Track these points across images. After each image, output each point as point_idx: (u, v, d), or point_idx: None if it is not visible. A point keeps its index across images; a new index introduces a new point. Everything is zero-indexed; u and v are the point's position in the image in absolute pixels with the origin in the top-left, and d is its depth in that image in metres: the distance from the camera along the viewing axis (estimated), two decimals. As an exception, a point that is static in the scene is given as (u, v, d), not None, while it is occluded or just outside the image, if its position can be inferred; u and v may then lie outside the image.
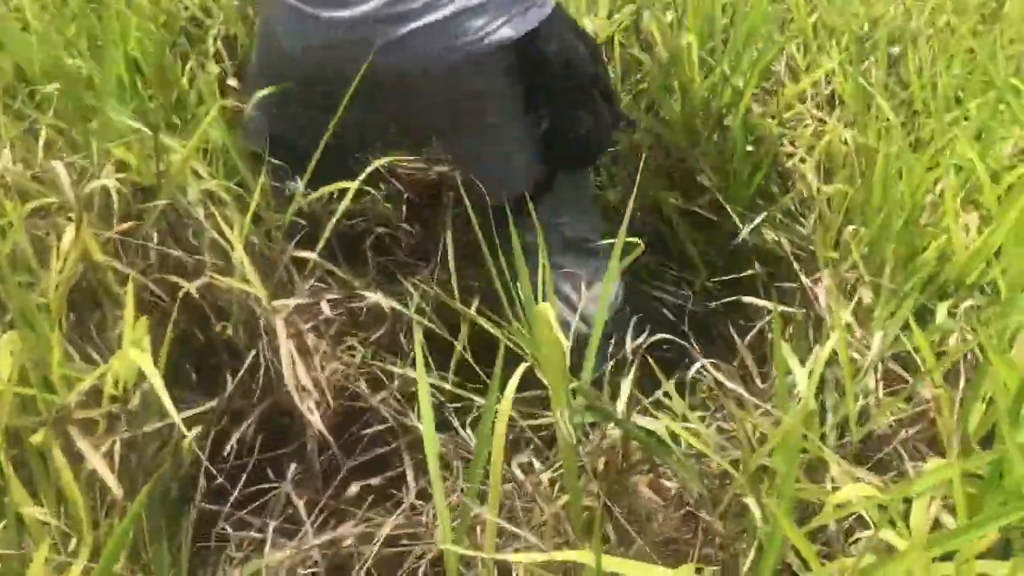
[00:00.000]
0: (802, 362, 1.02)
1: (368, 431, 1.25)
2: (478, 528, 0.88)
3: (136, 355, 0.88)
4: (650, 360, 0.90)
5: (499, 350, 0.89)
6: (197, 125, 1.24)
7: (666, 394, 0.93)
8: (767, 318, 1.12)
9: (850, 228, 1.28)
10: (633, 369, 0.89)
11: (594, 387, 0.95)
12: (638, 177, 1.22)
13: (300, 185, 1.17)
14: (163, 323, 1.20)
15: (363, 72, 1.07)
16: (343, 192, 1.23)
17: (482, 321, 1.05)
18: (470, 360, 1.26)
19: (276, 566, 1.03)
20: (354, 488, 1.12)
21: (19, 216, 1.07)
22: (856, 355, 0.99)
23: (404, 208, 1.61)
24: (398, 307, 1.23)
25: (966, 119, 1.39)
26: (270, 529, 1.05)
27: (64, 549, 0.88)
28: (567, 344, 0.80)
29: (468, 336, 1.18)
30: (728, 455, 0.89)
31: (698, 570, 0.85)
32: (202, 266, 1.17)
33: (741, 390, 0.88)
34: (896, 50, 1.59)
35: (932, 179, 1.25)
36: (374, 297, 1.15)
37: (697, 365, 0.93)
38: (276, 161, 1.25)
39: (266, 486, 1.15)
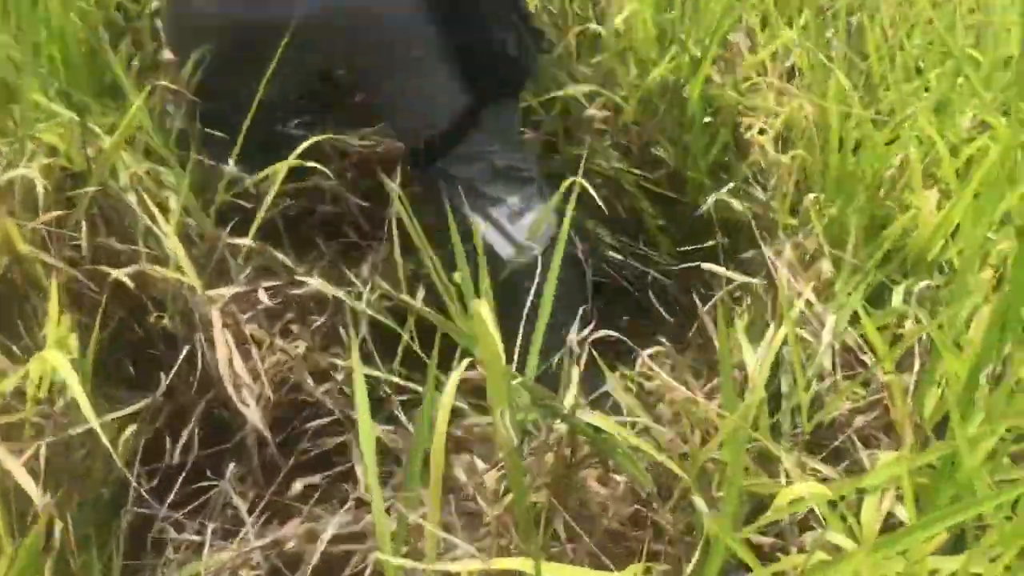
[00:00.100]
0: (760, 336, 1.00)
1: (313, 424, 1.22)
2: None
3: (54, 357, 0.83)
4: (594, 354, 0.86)
5: (437, 343, 0.85)
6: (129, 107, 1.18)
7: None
8: (727, 287, 1.10)
9: (811, 196, 1.24)
10: (581, 362, 0.86)
11: (547, 372, 0.94)
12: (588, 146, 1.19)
13: (232, 166, 1.12)
14: (94, 314, 1.16)
15: (288, 21, 1.05)
16: (289, 171, 1.19)
17: (425, 311, 1.00)
18: (417, 350, 1.23)
19: (216, 569, 0.99)
20: (298, 485, 1.08)
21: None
22: (810, 338, 0.96)
23: (351, 185, 1.58)
24: (340, 295, 1.19)
25: (927, 90, 1.36)
26: (208, 531, 1.02)
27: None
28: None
29: (417, 321, 1.14)
30: (679, 448, 0.86)
31: (647, 569, 0.82)
32: (136, 255, 1.11)
33: (684, 389, 0.84)
34: (855, 19, 1.55)
35: (893, 152, 1.22)
36: (314, 284, 1.10)
37: (642, 359, 0.90)
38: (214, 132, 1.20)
39: (207, 484, 1.11)
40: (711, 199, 1.40)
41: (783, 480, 0.85)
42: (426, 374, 1.06)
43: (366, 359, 1.23)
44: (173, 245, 1.04)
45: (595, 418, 0.83)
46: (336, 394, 1.21)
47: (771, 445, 0.84)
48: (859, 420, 0.93)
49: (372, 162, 1.57)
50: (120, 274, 1.08)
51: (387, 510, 0.96)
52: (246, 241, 1.10)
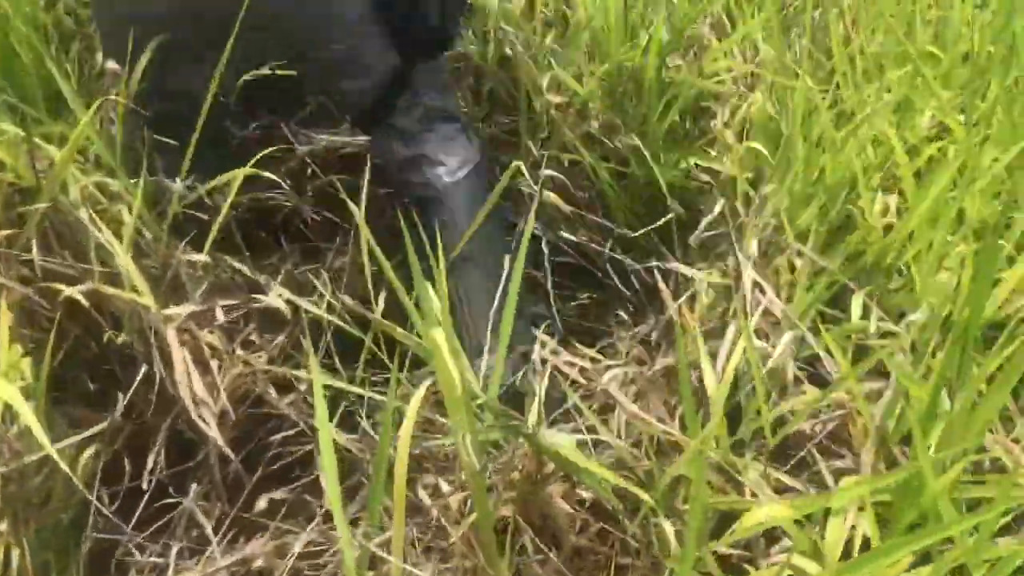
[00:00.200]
0: (719, 333, 1.01)
1: (278, 436, 1.20)
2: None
3: (4, 389, 0.81)
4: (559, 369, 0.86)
5: (397, 361, 0.84)
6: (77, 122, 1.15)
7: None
8: (694, 288, 1.11)
9: (768, 190, 1.24)
10: (545, 379, 0.85)
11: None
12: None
13: (181, 184, 1.10)
14: (49, 331, 1.13)
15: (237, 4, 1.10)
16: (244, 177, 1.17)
17: (385, 325, 0.99)
18: (381, 353, 1.22)
19: (181, 590, 0.98)
20: (262, 502, 1.06)
21: None
22: (770, 349, 0.96)
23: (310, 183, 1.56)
24: (301, 303, 1.17)
25: (889, 91, 1.36)
26: (173, 552, 1.00)
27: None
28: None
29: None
30: (643, 466, 0.86)
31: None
32: (89, 272, 1.09)
33: (648, 418, 0.84)
34: (818, 14, 1.55)
35: (852, 152, 1.22)
36: (271, 300, 1.08)
37: (607, 378, 0.90)
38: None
39: (171, 500, 1.09)
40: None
41: (747, 494, 0.86)
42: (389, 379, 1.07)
43: (328, 367, 1.23)
44: (126, 264, 1.01)
45: (559, 438, 0.83)
46: (300, 404, 1.20)
47: (735, 460, 0.84)
48: (821, 428, 0.93)
49: (332, 162, 1.56)
50: (73, 292, 1.05)
51: (354, 522, 0.95)
52: (202, 257, 1.08)
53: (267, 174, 1.21)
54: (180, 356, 1.01)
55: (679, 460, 0.77)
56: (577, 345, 1.42)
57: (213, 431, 0.99)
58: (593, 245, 1.55)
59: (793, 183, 1.18)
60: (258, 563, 1.02)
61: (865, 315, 1.04)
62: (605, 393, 0.91)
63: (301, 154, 1.48)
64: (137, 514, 1.04)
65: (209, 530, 1.04)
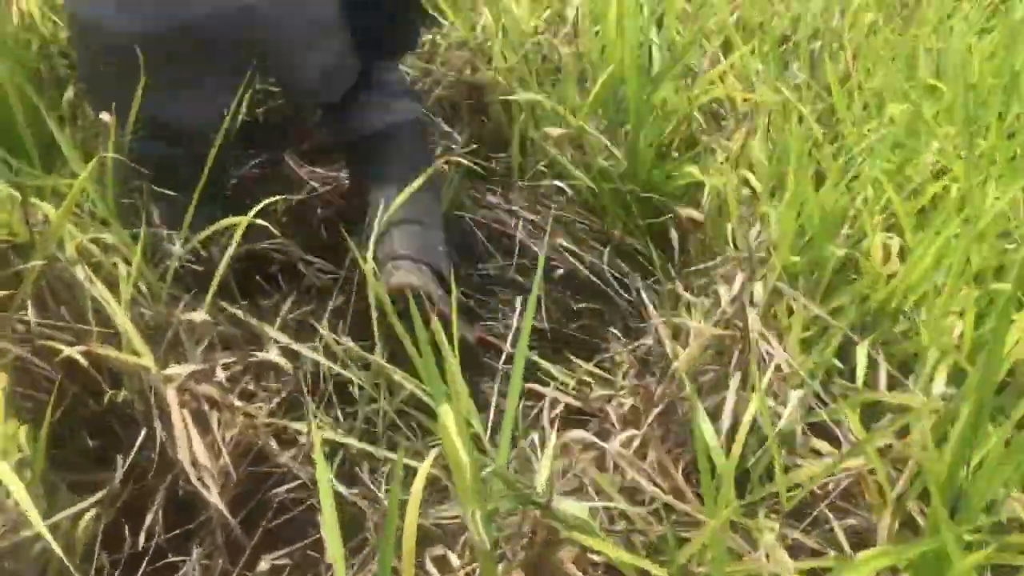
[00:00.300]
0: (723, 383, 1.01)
1: (281, 488, 1.19)
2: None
3: None
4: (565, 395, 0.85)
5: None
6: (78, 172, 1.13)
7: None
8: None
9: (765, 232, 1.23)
10: (551, 445, 0.84)
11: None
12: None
13: (179, 247, 1.10)
14: (48, 389, 1.12)
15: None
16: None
17: (388, 368, 0.98)
18: (385, 405, 1.21)
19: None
20: (265, 564, 1.05)
21: None
22: (780, 408, 0.95)
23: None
24: (301, 349, 1.16)
25: (892, 121, 1.35)
26: (174, 619, 0.99)
27: None
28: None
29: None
30: (657, 532, 0.85)
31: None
32: (86, 333, 1.07)
33: (652, 487, 0.83)
34: (817, 45, 1.54)
35: (853, 193, 1.22)
36: (271, 357, 1.07)
37: (614, 446, 0.88)
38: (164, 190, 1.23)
39: (173, 559, 1.08)
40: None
41: (763, 556, 0.84)
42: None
43: (330, 413, 1.22)
44: (125, 325, 1.00)
45: (571, 506, 0.82)
46: (302, 459, 1.19)
47: (749, 523, 0.83)
48: (834, 486, 0.92)
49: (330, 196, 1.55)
50: (71, 352, 1.04)
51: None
52: (201, 316, 1.06)
53: (264, 223, 1.19)
54: (179, 418, 1.00)
55: (697, 536, 0.76)
56: (573, 359, 1.43)
57: (214, 496, 0.98)
58: (591, 258, 1.54)
59: (790, 220, 1.16)
60: (262, 627, 1.00)
61: (870, 362, 1.03)
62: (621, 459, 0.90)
63: (301, 196, 1.48)
64: (138, 578, 1.03)
65: (211, 594, 1.02)
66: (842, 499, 0.92)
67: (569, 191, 1.57)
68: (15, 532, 0.89)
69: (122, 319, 1.01)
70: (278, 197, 1.20)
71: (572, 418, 1.33)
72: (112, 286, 1.13)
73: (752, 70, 1.49)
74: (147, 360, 1.01)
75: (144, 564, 1.05)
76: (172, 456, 1.07)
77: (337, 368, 1.20)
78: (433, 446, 1.26)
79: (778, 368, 1.01)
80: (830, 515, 0.88)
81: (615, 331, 1.51)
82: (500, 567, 0.84)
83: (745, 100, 1.46)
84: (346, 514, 1.22)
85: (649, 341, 1.40)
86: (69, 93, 1.41)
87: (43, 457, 0.95)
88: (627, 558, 0.75)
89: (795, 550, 0.89)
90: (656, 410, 1.13)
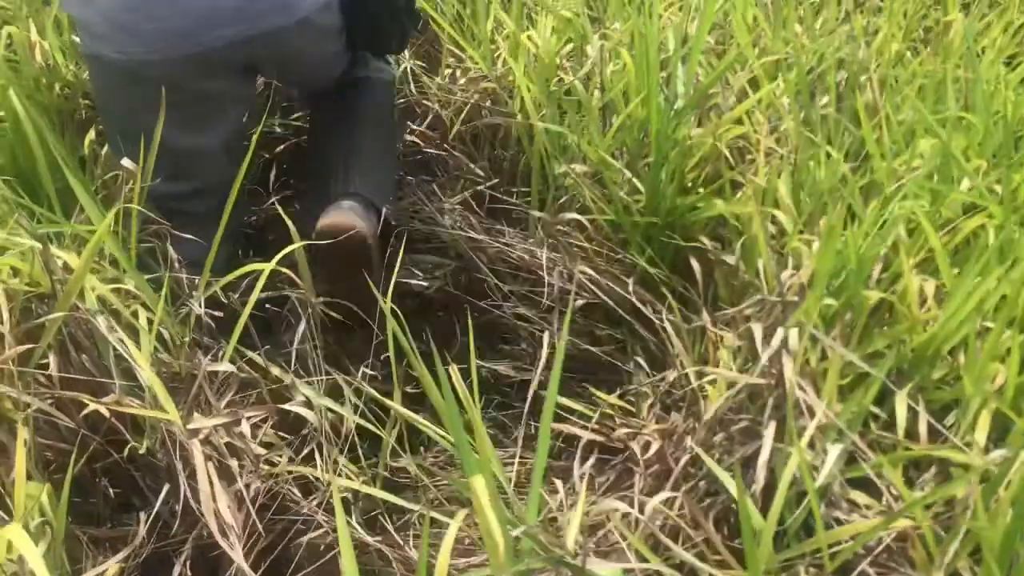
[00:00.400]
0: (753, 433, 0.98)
1: (305, 538, 1.18)
2: None
3: (17, 537, 0.78)
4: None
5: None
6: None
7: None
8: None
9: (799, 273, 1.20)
10: (580, 510, 0.82)
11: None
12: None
13: (200, 309, 1.09)
14: (69, 439, 1.10)
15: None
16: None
17: (409, 416, 0.96)
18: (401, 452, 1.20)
19: None
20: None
21: None
22: (816, 463, 0.92)
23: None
24: (324, 402, 1.15)
25: (921, 157, 1.32)
26: None
27: None
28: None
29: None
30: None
31: None
32: (108, 387, 1.06)
33: (687, 553, 0.81)
34: (843, 76, 1.52)
35: (885, 232, 1.19)
36: (295, 408, 1.06)
37: (648, 510, 0.86)
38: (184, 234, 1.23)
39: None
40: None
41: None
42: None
43: (352, 458, 1.21)
44: (150, 380, 0.98)
45: (606, 570, 0.80)
46: (326, 505, 1.18)
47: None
48: (876, 543, 0.90)
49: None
50: (95, 405, 1.03)
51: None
52: (225, 366, 1.05)
53: (286, 271, 1.18)
54: (205, 475, 0.98)
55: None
56: (595, 391, 1.41)
57: (238, 555, 0.96)
58: (616, 288, 1.52)
59: (827, 262, 1.14)
60: None
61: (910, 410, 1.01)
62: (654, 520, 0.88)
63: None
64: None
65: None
66: (886, 554, 0.89)
67: (589, 226, 1.55)
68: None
69: (147, 373, 1.00)
70: (299, 243, 1.18)
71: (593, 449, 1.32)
72: (133, 331, 1.12)
73: (778, 104, 1.47)
74: (172, 415, 0.99)
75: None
76: (197, 511, 1.06)
77: (357, 419, 1.19)
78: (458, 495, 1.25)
79: (812, 412, 0.98)
80: (872, 573, 0.85)
81: (639, 361, 1.49)
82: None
83: (771, 136, 1.45)
84: (371, 562, 1.21)
85: (673, 374, 1.38)
86: (91, 135, 1.41)
87: (64, 519, 0.93)
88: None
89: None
90: (685, 458, 1.11)
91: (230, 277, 1.20)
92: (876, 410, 1.04)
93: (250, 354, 1.20)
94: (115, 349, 1.07)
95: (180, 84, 1.29)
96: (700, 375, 1.09)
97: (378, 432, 1.20)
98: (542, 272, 1.61)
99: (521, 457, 1.30)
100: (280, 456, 1.16)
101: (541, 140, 1.58)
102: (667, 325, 1.33)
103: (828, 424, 0.95)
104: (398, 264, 1.26)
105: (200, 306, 1.07)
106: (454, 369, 1.00)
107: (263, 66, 1.46)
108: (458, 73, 1.71)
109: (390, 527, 1.20)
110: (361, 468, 1.26)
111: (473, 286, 1.73)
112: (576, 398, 1.43)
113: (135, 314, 1.13)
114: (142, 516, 1.01)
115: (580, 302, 1.53)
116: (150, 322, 1.09)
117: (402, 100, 1.77)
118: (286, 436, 1.17)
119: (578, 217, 1.54)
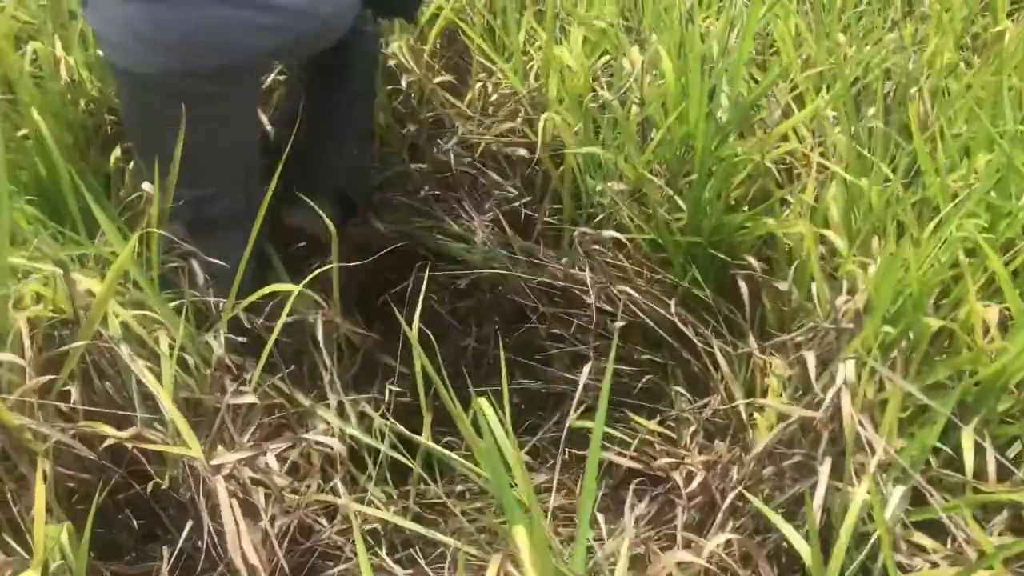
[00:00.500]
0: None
1: (333, 570, 1.13)
2: None
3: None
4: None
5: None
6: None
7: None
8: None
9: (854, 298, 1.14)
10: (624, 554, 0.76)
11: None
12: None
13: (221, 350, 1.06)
14: (90, 470, 1.07)
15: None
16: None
17: (437, 449, 0.91)
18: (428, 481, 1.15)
19: None
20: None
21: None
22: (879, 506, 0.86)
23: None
24: (350, 430, 1.10)
25: (975, 173, 1.26)
26: None
27: None
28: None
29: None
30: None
31: None
32: (131, 417, 1.02)
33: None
34: (892, 88, 1.45)
35: (943, 255, 1.12)
36: (320, 438, 1.02)
37: (704, 555, 0.81)
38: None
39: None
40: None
41: None
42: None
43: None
44: (172, 413, 0.95)
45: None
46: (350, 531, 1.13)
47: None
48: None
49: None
50: (117, 437, 0.99)
51: None
52: (249, 399, 1.01)
53: (312, 294, 1.14)
54: (229, 512, 0.94)
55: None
56: (634, 416, 1.35)
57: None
58: (658, 308, 1.47)
59: (888, 289, 1.07)
60: None
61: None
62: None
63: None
64: None
65: None
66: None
67: (628, 244, 1.50)
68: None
69: (169, 406, 0.96)
70: (329, 265, 1.14)
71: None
72: (156, 357, 1.08)
73: (824, 117, 1.41)
74: (195, 450, 0.95)
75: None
76: (221, 549, 1.01)
77: (386, 449, 1.15)
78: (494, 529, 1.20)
79: (872, 448, 0.92)
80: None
81: (679, 389, 1.44)
82: None
83: (818, 152, 1.39)
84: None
85: (717, 400, 1.33)
86: (117, 152, 1.38)
87: (86, 557, 0.89)
88: None
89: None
90: (732, 495, 1.05)
91: (253, 298, 1.16)
92: (937, 443, 0.98)
93: (276, 380, 1.16)
94: (137, 379, 1.03)
95: (201, 91, 1.25)
96: (748, 404, 1.03)
97: (408, 463, 1.15)
98: (577, 291, 1.56)
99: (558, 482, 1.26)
100: (307, 485, 1.12)
101: (572, 162, 1.53)
102: (714, 349, 1.27)
103: (891, 463, 0.89)
104: (424, 286, 1.22)
105: (221, 346, 1.02)
106: (487, 407, 0.95)
107: (283, 60, 1.52)
108: (489, 88, 1.66)
109: (422, 561, 1.15)
110: (390, 498, 1.21)
111: (503, 305, 1.69)
112: (612, 422, 1.38)
113: (157, 341, 1.10)
114: (165, 551, 0.97)
115: (619, 324, 1.48)
116: (171, 348, 1.05)
117: (431, 114, 1.72)
118: (312, 463, 1.13)
119: (617, 235, 1.48)
